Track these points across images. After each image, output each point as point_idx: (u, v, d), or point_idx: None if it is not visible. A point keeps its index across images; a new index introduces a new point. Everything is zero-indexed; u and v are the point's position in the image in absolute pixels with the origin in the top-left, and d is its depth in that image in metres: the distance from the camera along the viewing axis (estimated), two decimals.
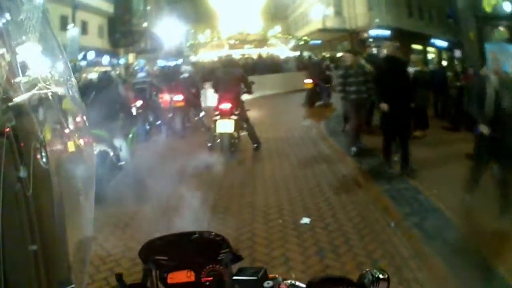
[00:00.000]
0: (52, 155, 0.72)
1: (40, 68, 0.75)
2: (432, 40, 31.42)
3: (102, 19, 24.18)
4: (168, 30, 26.56)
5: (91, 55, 21.50)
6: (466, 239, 4.30)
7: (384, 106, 6.29)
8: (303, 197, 6.74)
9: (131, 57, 24.62)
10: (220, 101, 8.45)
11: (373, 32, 29.13)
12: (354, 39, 29.91)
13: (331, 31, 33.09)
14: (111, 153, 6.26)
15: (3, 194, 0.63)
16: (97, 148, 5.99)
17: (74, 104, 0.86)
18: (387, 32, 28.49)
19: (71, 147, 0.84)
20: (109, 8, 24.54)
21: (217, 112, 8.40)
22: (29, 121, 0.69)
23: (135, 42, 24.93)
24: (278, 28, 36.62)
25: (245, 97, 9.96)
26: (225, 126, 8.12)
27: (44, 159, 0.70)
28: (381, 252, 4.22)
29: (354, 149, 7.45)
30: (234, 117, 8.23)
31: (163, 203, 5.81)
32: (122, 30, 24.37)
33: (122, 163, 6.45)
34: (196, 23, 34.30)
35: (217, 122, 8.19)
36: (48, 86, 0.76)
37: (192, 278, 1.38)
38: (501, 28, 10.63)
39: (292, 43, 33.62)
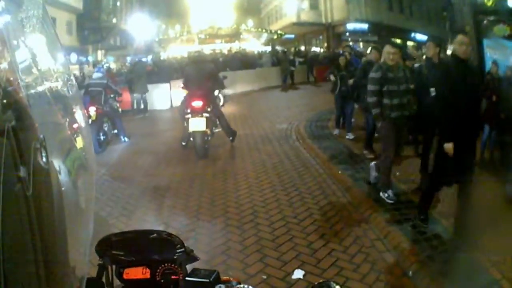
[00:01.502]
0: (52, 154, 0.75)
1: (40, 68, 0.78)
2: (413, 34, 32.04)
3: (71, 15, 24.02)
4: (138, 26, 26.49)
5: None
6: None
7: (449, 146, 4.61)
8: (276, 194, 6.87)
9: (100, 54, 24.42)
10: (191, 98, 8.93)
11: (350, 26, 29.48)
12: (330, 33, 30.25)
13: (306, 25, 33.44)
14: None
15: (3, 194, 0.65)
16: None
17: (73, 104, 0.89)
18: (365, 26, 28.90)
19: (71, 146, 0.86)
20: (78, 4, 24.45)
21: (188, 110, 8.68)
22: (29, 121, 0.72)
23: (104, 39, 24.84)
24: (250, 23, 36.70)
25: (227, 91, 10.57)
26: (198, 124, 8.66)
27: (44, 159, 0.73)
28: None
29: (390, 194, 6.12)
30: (206, 115, 8.79)
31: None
32: (91, 27, 24.34)
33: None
34: (168, 18, 34.29)
35: (189, 121, 8.76)
36: (48, 86, 0.79)
37: (148, 275, 1.49)
38: (502, 24, 10.62)
39: (265, 37, 33.74)
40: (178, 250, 1.53)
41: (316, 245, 5.20)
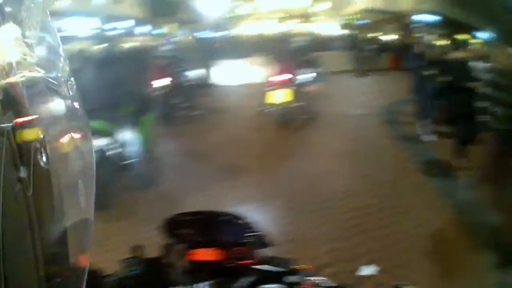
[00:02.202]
0: (53, 154, 0.78)
1: (40, 67, 0.80)
2: (476, 32, 30.33)
3: None
4: (210, 1, 26.66)
5: (126, 24, 21.92)
6: None
7: None
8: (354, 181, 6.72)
9: (169, 27, 24.88)
10: (276, 72, 10.05)
11: (418, 18, 28.64)
12: (401, 22, 29.60)
13: (378, 12, 32.75)
14: (112, 151, 6.04)
15: (3, 194, 0.68)
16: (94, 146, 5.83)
17: (73, 104, 0.91)
18: (432, 19, 27.82)
19: (71, 145, 0.89)
20: None
21: (272, 82, 9.75)
22: (29, 121, 0.74)
23: (174, 12, 25.16)
24: (324, 5, 36.31)
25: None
26: (279, 95, 9.66)
27: (44, 159, 0.75)
28: None
29: None
30: (287, 87, 9.73)
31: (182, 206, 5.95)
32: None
33: (129, 161, 6.27)
34: None
35: (271, 92, 9.73)
36: (48, 85, 0.81)
37: (216, 258, 1.46)
38: None
39: (338, 21, 33.47)
40: (251, 234, 1.51)
41: (387, 241, 5.17)
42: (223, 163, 7.83)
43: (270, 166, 7.78)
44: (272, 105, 10.06)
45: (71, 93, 0.88)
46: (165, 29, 24.91)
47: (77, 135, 0.90)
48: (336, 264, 4.66)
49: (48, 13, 0.84)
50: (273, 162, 8.04)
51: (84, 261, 0.90)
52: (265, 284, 1.37)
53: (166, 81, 10.21)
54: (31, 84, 0.76)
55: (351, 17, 34.62)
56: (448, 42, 10.25)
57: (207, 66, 15.95)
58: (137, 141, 6.26)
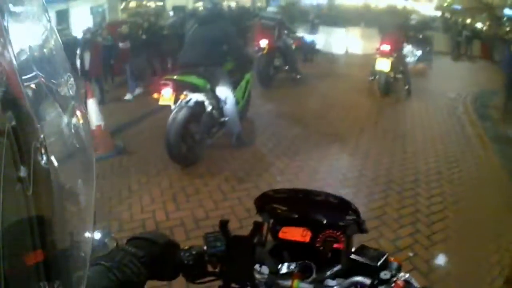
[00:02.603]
0: (53, 154, 0.75)
1: (40, 67, 0.77)
2: None
3: None
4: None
5: None
6: None
7: None
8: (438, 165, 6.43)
9: None
10: (382, 42, 10.52)
11: (509, 12, 27.36)
12: (491, 13, 28.36)
13: (471, 0, 31.76)
14: (210, 106, 6.08)
15: (3, 194, 0.67)
16: (191, 100, 5.91)
17: (74, 104, 0.88)
18: None
19: (72, 145, 0.86)
20: None
21: (378, 51, 10.42)
22: (29, 121, 0.72)
23: None
24: None
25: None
26: (383, 64, 10.05)
27: (44, 159, 0.73)
28: None
29: None
30: (391, 58, 10.05)
31: (276, 170, 5.93)
32: None
33: (225, 118, 6.31)
34: None
35: (377, 60, 10.31)
36: (48, 86, 0.78)
37: (307, 239, 1.38)
38: None
39: (436, 1, 32.80)
40: (348, 218, 1.41)
41: (463, 231, 4.91)
42: (318, 130, 7.76)
43: (361, 138, 7.62)
44: (375, 72, 10.46)
45: (71, 93, 0.84)
46: None
47: (77, 135, 0.87)
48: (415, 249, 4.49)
49: (48, 11, 0.80)
50: (365, 134, 7.86)
51: (85, 261, 0.88)
52: (355, 275, 1.27)
53: (270, 42, 10.21)
54: (31, 83, 0.72)
55: (448, 0, 33.67)
56: None
57: (312, 32, 15.75)
58: (234, 99, 6.32)
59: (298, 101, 9.86)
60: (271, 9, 11.63)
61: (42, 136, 0.73)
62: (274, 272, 1.35)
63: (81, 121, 0.85)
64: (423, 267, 4.20)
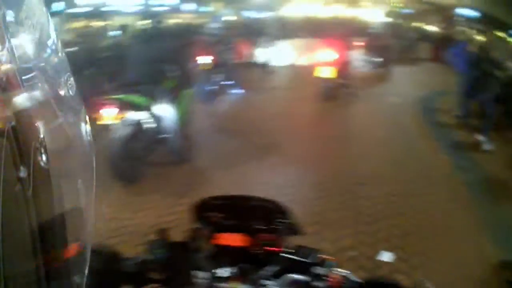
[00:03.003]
0: (53, 154, 0.75)
1: (40, 67, 0.77)
2: None
3: None
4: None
5: (171, 1, 21.90)
6: None
7: None
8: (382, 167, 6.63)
9: (217, 5, 24.79)
10: (324, 51, 10.93)
11: (461, 11, 28.36)
12: (445, 14, 29.30)
13: (421, 2, 32.60)
14: (150, 124, 6.07)
15: (3, 194, 0.66)
16: (131, 118, 5.88)
17: (74, 104, 0.88)
18: (475, 14, 27.33)
19: (71, 145, 0.86)
20: None
21: (321, 60, 10.85)
22: (29, 121, 0.72)
23: None
24: None
25: None
26: (326, 71, 10.59)
27: (44, 159, 0.72)
28: None
29: None
30: (334, 65, 10.60)
31: (210, 184, 5.95)
32: None
33: (166, 135, 6.30)
34: None
35: (320, 68, 10.75)
36: (48, 85, 0.78)
37: (243, 243, 1.41)
38: None
39: (385, 9, 33.38)
40: (282, 220, 1.47)
41: (409, 229, 5.06)
42: (258, 141, 7.81)
43: (301, 145, 7.76)
44: (320, 79, 10.88)
45: (71, 93, 0.85)
46: (211, 8, 24.83)
47: (77, 135, 0.88)
48: (358, 248, 4.59)
49: (48, 12, 0.80)
50: (305, 140, 8.03)
51: (84, 260, 0.87)
52: (291, 273, 1.32)
53: (210, 58, 10.26)
54: (31, 83, 0.72)
55: (396, 5, 34.41)
56: (487, 38, 10.14)
57: (253, 46, 15.89)
58: (174, 116, 6.28)
59: (238, 114, 9.90)
60: (214, 25, 11.66)
61: (42, 136, 0.72)
62: (215, 277, 1.38)
63: (81, 121, 0.85)
64: (367, 265, 4.29)
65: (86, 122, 0.93)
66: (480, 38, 20.34)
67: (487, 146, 8.00)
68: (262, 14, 22.34)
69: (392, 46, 17.40)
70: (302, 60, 16.19)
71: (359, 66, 15.45)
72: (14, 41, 0.68)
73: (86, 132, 0.92)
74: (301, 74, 14.40)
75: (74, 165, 0.88)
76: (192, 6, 22.98)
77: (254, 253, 1.42)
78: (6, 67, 0.67)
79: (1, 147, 0.66)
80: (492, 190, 6.25)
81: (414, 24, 28.35)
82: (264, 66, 15.62)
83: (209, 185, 6.02)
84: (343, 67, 11.09)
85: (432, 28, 28.20)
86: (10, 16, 0.68)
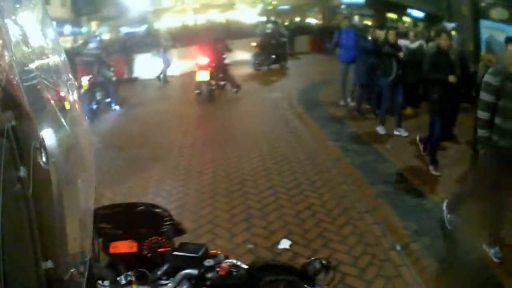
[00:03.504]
0: (53, 154, 0.74)
1: (40, 67, 0.76)
2: (409, 10, 31.17)
3: None
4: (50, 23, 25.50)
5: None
6: None
7: None
8: (265, 163, 6.83)
9: (93, 25, 23.94)
10: (200, 56, 11.48)
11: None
12: (325, 4, 29.67)
13: None
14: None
15: (3, 194, 0.65)
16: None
17: (73, 103, 0.87)
18: (361, 0, 28.20)
19: (71, 145, 0.85)
20: None
21: (198, 65, 11.32)
22: (29, 121, 0.71)
23: (98, 10, 24.19)
24: None
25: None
26: (202, 75, 11.09)
27: (44, 159, 0.72)
28: None
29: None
30: (210, 69, 11.12)
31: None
32: None
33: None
34: None
35: (197, 73, 11.27)
36: (48, 85, 0.78)
37: (135, 249, 1.46)
38: (501, 8, 9.88)
39: (260, 8, 33.40)
40: (166, 223, 1.53)
41: (303, 215, 5.26)
42: (140, 156, 7.65)
43: (183, 150, 7.76)
44: (199, 83, 11.39)
45: (71, 92, 0.84)
46: (89, 28, 23.79)
47: (77, 134, 0.87)
48: (253, 241, 4.70)
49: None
50: (187, 146, 8.03)
51: (84, 260, 0.86)
52: (184, 270, 1.39)
53: (87, 78, 9.92)
54: (31, 84, 0.72)
55: (273, 2, 34.70)
56: (378, 22, 10.50)
57: (132, 60, 15.55)
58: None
59: (118, 130, 9.64)
60: (92, 45, 11.25)
61: (42, 136, 0.72)
62: (115, 284, 1.42)
63: (80, 120, 0.84)
64: (266, 254, 4.41)
65: (86, 121, 0.91)
66: (368, 23, 20.98)
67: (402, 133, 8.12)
68: (138, 28, 21.83)
69: (281, 42, 18.26)
70: (182, 68, 16.19)
71: (250, 65, 16.54)
72: (14, 42, 0.66)
73: (86, 130, 0.90)
74: (181, 82, 14.80)
75: (74, 165, 0.87)
76: (69, 29, 21.78)
77: (148, 256, 1.50)
78: (6, 67, 0.65)
79: (1, 147, 0.65)
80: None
81: (295, 19, 28.85)
82: (143, 80, 15.38)
83: (97, 201, 5.76)
84: (221, 69, 11.75)
85: (312, 20, 28.74)
86: (10, 17, 0.66)
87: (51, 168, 0.75)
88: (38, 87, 0.74)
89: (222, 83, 12.14)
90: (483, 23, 10.06)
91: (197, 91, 11.71)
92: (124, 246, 1.48)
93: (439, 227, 4.79)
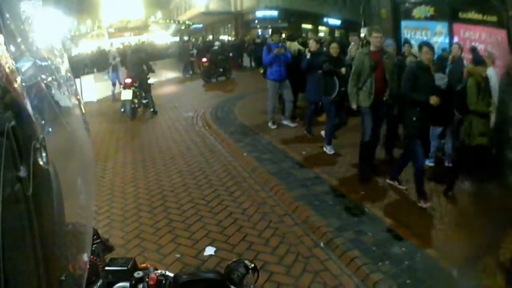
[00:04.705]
0: (53, 154, 0.72)
1: (40, 67, 0.73)
2: (325, 19, 31.68)
3: None
4: (49, 23, 24.16)
5: None
6: None
7: None
8: (183, 178, 6.78)
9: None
10: (126, 77, 12.05)
11: (260, 14, 28.91)
12: (239, 21, 29.65)
13: (215, 14, 32.58)
14: None
15: (3, 194, 0.62)
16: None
17: (73, 103, 0.84)
18: (274, 13, 28.35)
19: (71, 146, 0.83)
20: None
21: (123, 85, 11.91)
22: (29, 121, 0.68)
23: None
24: (159, 14, 35.71)
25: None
26: (126, 94, 11.51)
27: (44, 159, 0.69)
28: None
29: None
30: (133, 88, 11.57)
31: None
32: None
33: None
34: (79, 14, 32.36)
35: (122, 92, 11.84)
36: (48, 85, 0.75)
37: (83, 265, 1.41)
38: (424, 6, 9.92)
39: (173, 28, 33.08)
40: (95, 241, 1.49)
41: (225, 223, 5.31)
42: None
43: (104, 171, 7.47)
44: (123, 101, 11.72)
45: (70, 92, 0.81)
46: None
47: (77, 134, 0.84)
48: (180, 250, 4.66)
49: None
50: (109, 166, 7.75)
51: (84, 260, 0.83)
52: (116, 283, 1.38)
53: None
54: (31, 83, 0.69)
55: (186, 22, 34.18)
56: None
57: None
58: None
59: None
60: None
61: (42, 136, 0.69)
62: None
63: (81, 120, 0.80)
64: (194, 263, 4.39)
65: (86, 121, 0.88)
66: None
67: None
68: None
69: (227, 57, 19.64)
70: (105, 91, 15.79)
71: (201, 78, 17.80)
72: (14, 42, 0.64)
73: (86, 130, 0.87)
74: (103, 104, 14.82)
75: (74, 165, 0.83)
76: None
77: None
78: (6, 67, 0.62)
79: (1, 147, 0.62)
80: None
81: (208, 37, 28.64)
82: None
83: None
84: (141, 89, 12.11)
85: (224, 37, 28.49)
86: (10, 17, 0.63)
87: (51, 168, 0.72)
88: (39, 87, 0.71)
89: (144, 101, 12.44)
90: (404, 23, 10.33)
91: (122, 109, 11.93)
92: None
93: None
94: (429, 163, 6.80)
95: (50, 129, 0.74)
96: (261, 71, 10.93)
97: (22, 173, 0.66)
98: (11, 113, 0.64)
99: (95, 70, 17.79)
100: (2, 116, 0.63)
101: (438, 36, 9.24)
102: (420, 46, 5.83)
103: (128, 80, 11.82)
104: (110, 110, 13.60)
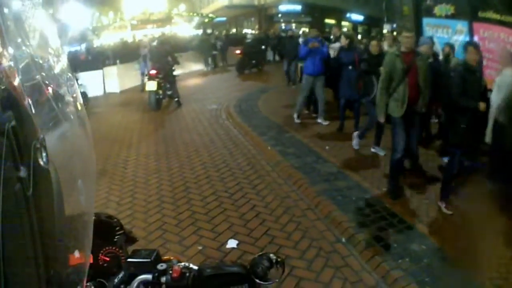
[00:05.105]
0: (53, 154, 0.71)
1: (40, 67, 0.73)
2: (348, 15, 31.30)
3: None
4: (72, 15, 24.49)
5: None
6: None
7: None
8: (207, 170, 6.79)
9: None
10: (151, 68, 12.27)
11: (283, 8, 28.56)
12: (262, 14, 29.29)
13: (238, 8, 32.28)
14: None
15: (3, 194, 0.62)
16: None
17: (73, 103, 0.84)
18: (298, 7, 27.98)
19: (71, 146, 0.82)
20: None
21: (148, 76, 12.12)
22: (29, 121, 0.68)
23: None
24: (182, 7, 35.62)
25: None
26: (151, 85, 11.68)
27: (44, 159, 0.69)
28: None
29: None
30: (157, 79, 11.67)
31: None
32: None
33: None
34: (101, 6, 32.63)
35: (146, 83, 12.07)
36: (48, 85, 0.74)
37: (90, 259, 1.41)
38: (445, 4, 9.54)
39: (196, 21, 32.90)
40: (118, 232, 1.50)
41: (247, 216, 5.30)
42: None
43: (126, 165, 7.55)
44: (147, 92, 12.01)
45: (70, 92, 0.81)
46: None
47: (77, 134, 0.83)
48: (202, 243, 4.69)
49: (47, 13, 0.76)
50: (130, 160, 7.82)
51: (84, 259, 0.83)
52: (140, 275, 1.37)
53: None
54: (31, 84, 0.69)
55: (210, 15, 34.08)
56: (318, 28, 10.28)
57: (76, 79, 14.75)
58: None
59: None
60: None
61: (42, 136, 0.68)
62: None
63: (81, 120, 0.80)
64: (216, 255, 4.40)
65: (87, 121, 0.87)
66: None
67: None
68: (78, 47, 20.87)
69: (260, 50, 20.11)
70: (128, 82, 15.97)
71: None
72: (14, 41, 0.63)
73: (87, 130, 0.86)
74: (128, 95, 15.05)
75: (74, 165, 0.83)
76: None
77: (104, 266, 1.47)
78: (6, 67, 0.62)
79: (1, 146, 0.62)
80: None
81: (231, 30, 28.48)
82: (89, 97, 14.72)
83: None
84: (165, 80, 12.13)
85: (248, 30, 28.29)
86: (10, 17, 0.63)
87: (51, 168, 0.71)
88: (39, 87, 0.71)
89: (169, 92, 12.48)
90: (425, 20, 10.23)
91: (151, 99, 12.04)
92: (77, 259, 1.44)
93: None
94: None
95: (50, 129, 0.74)
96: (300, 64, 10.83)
97: (22, 173, 0.66)
98: (11, 113, 0.64)
99: (117, 61, 17.89)
100: (2, 116, 0.63)
101: (458, 35, 9.07)
102: (465, 46, 5.27)
103: (153, 71, 11.90)
104: (136, 100, 13.78)
